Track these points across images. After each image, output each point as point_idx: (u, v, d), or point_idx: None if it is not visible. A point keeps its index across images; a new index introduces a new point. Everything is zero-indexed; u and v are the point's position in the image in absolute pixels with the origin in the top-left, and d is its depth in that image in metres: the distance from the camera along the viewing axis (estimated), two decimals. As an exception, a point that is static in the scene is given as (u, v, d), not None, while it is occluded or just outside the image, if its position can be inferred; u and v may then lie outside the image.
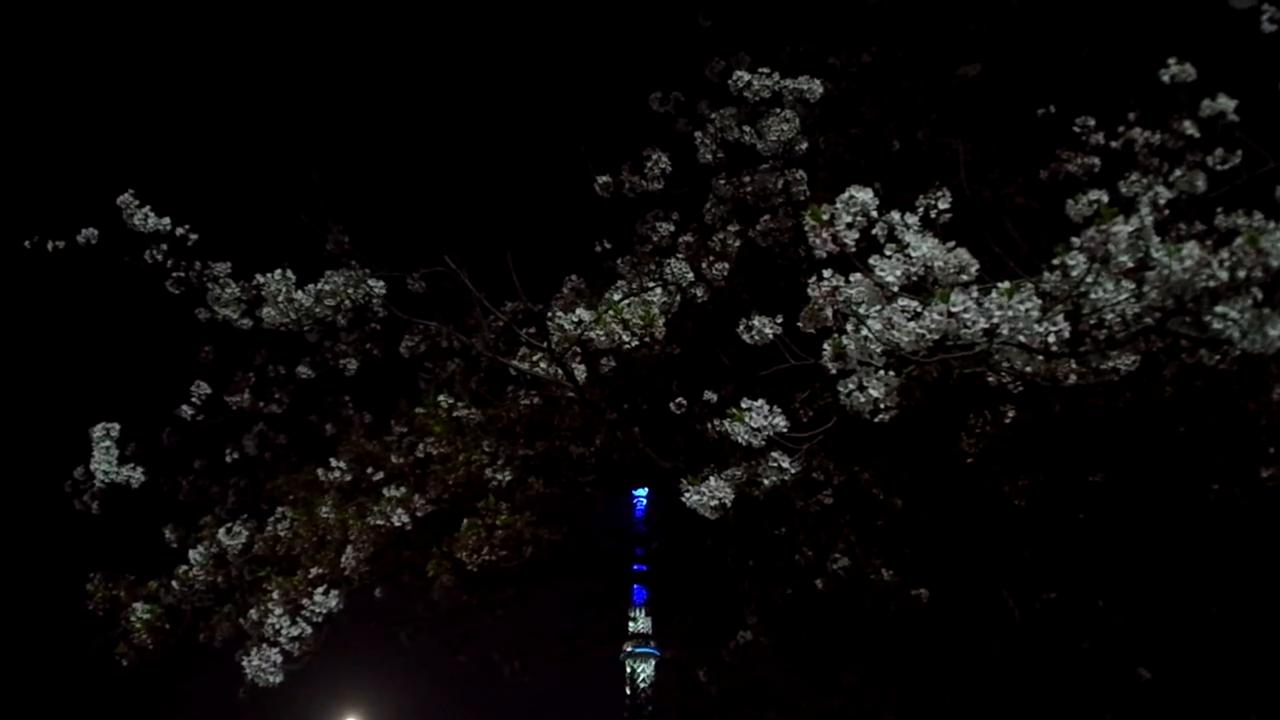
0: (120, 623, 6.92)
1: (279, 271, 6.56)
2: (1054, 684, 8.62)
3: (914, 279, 4.63)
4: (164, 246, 6.61)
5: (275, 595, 6.41)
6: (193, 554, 7.01)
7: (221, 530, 6.99)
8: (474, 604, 8.42)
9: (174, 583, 6.97)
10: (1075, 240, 4.52)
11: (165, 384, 8.21)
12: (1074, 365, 4.94)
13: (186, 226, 6.64)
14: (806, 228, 4.70)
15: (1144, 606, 8.39)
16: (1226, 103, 5.86)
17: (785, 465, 5.19)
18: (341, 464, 7.20)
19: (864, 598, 7.39)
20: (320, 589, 6.41)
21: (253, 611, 6.45)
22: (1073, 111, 6.59)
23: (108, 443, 6.95)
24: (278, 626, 6.29)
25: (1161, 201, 5.07)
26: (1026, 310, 4.45)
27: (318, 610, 6.35)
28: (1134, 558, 8.05)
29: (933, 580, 7.42)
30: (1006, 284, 4.55)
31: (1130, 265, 4.51)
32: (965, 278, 4.61)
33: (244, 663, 6.25)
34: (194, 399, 7.73)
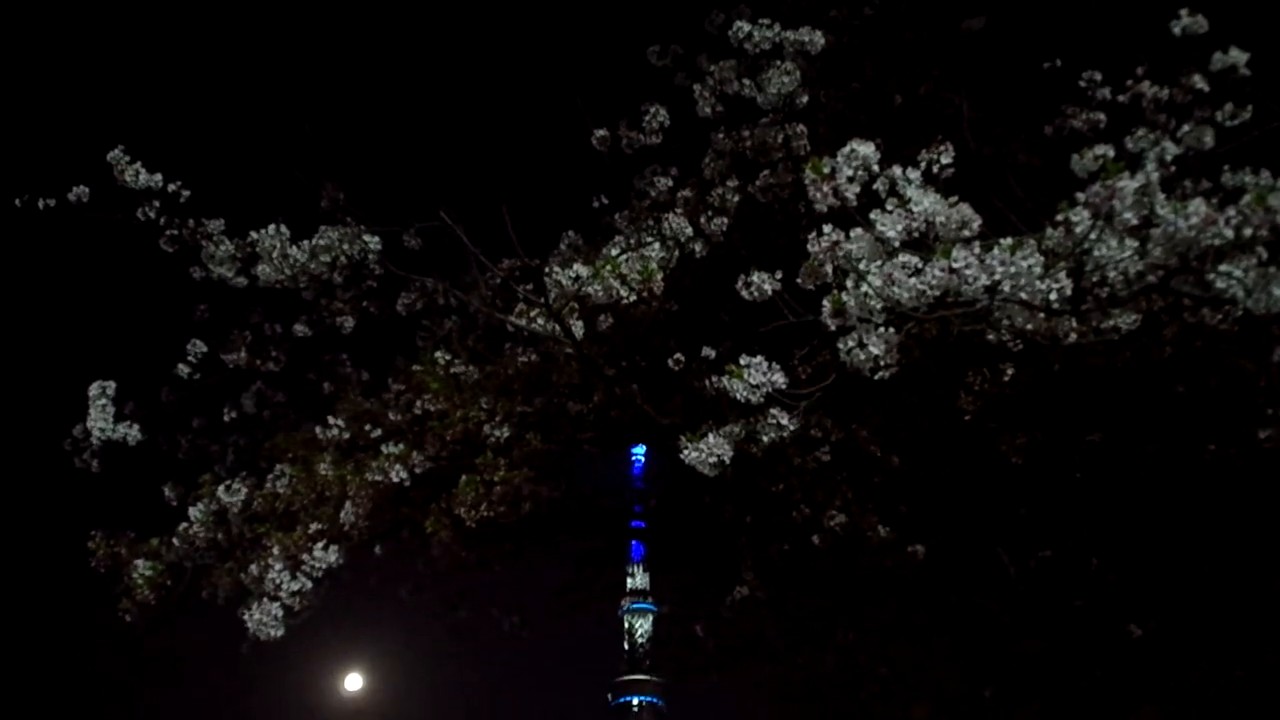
0: (122, 580, 6.95)
1: (273, 227, 6.53)
2: (1047, 641, 8.68)
3: (915, 235, 4.61)
4: (156, 204, 6.57)
5: (275, 551, 6.44)
6: (192, 511, 7.02)
7: (221, 488, 7.01)
8: (473, 560, 8.43)
9: (175, 540, 7.00)
10: (1079, 196, 4.49)
11: (161, 343, 8.21)
12: (1075, 324, 4.92)
13: (179, 183, 6.60)
14: (807, 181, 4.67)
15: (1137, 565, 8.43)
16: (1238, 56, 5.79)
17: (784, 422, 5.19)
18: (339, 422, 7.20)
19: (860, 554, 7.41)
20: (320, 544, 6.43)
21: (253, 567, 6.48)
22: (1079, 66, 6.52)
23: (104, 401, 6.96)
24: (278, 581, 6.32)
25: (1168, 158, 5.03)
26: (1029, 267, 4.43)
27: (317, 565, 6.38)
28: (1129, 517, 8.07)
29: (928, 537, 7.45)
30: (1009, 240, 4.52)
31: (1135, 223, 4.49)
32: (967, 233, 4.58)
33: (246, 617, 6.30)
34: (190, 357, 7.70)
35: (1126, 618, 8.53)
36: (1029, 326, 4.88)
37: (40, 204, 6.64)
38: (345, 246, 6.64)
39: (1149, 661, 8.89)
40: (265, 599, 6.31)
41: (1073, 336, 4.96)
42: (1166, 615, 8.61)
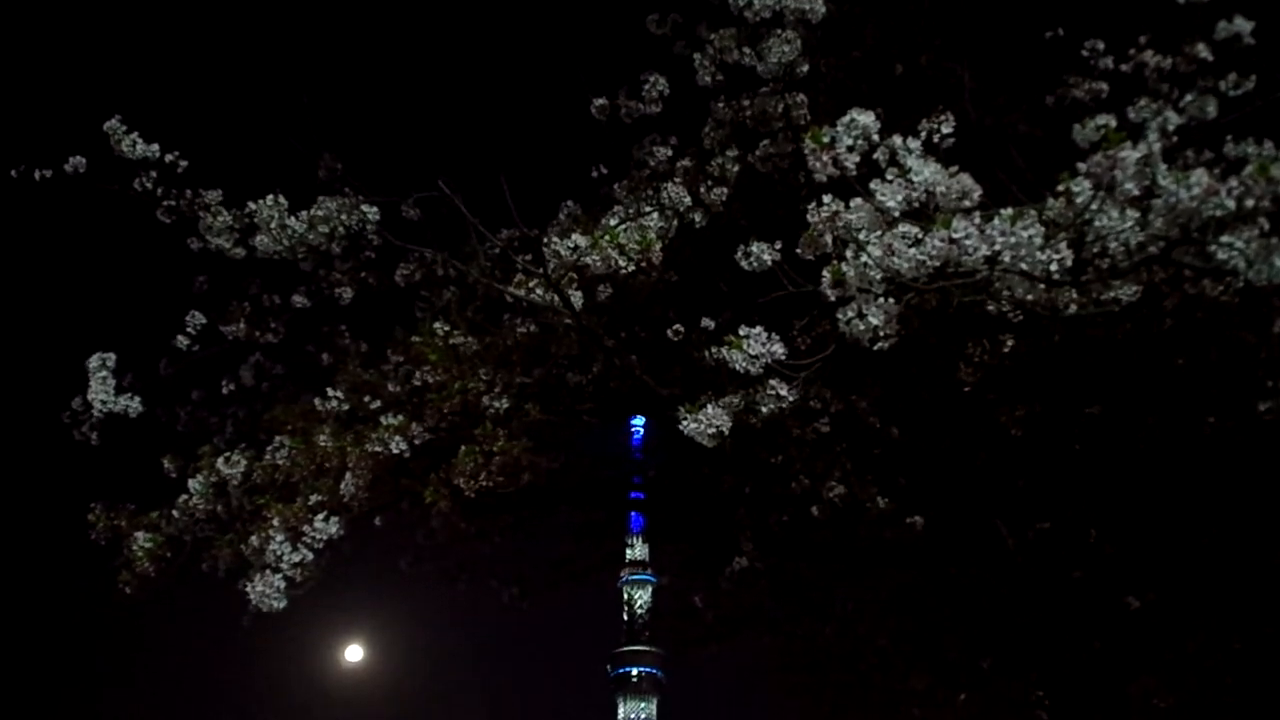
0: (122, 552, 6.96)
1: (270, 198, 6.51)
2: (1045, 612, 8.72)
3: (915, 205, 4.59)
4: (153, 174, 6.55)
5: (275, 522, 6.44)
6: (192, 483, 7.03)
7: (220, 459, 7.01)
8: (472, 532, 8.45)
9: (174, 512, 7.00)
10: (1081, 166, 4.46)
11: (160, 314, 8.20)
12: (1075, 295, 4.91)
13: (176, 153, 6.58)
14: (807, 150, 4.65)
15: (1135, 538, 8.45)
16: (1243, 25, 5.73)
17: (783, 393, 5.18)
18: (338, 393, 7.19)
19: (859, 525, 7.44)
20: (320, 516, 6.44)
21: (254, 539, 6.48)
22: (1081, 35, 6.47)
23: (104, 373, 6.97)
24: (279, 553, 6.33)
25: (1170, 128, 5.00)
26: (1029, 237, 4.43)
27: (318, 537, 6.39)
28: (1127, 489, 8.09)
29: (927, 509, 7.46)
30: (1009, 210, 4.51)
31: (1136, 193, 4.47)
32: (968, 204, 4.56)
33: (248, 589, 6.31)
34: (189, 329, 7.69)
35: (1124, 589, 8.57)
36: (1029, 297, 4.87)
37: (37, 175, 6.63)
38: (343, 217, 6.63)
39: (1147, 633, 8.93)
40: (267, 570, 6.32)
41: (1073, 308, 4.95)
42: (1164, 587, 8.65)
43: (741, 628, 10.68)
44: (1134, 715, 9.02)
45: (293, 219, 6.55)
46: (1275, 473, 7.54)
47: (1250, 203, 4.38)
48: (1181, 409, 7.34)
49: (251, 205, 6.55)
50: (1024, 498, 8.19)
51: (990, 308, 5.16)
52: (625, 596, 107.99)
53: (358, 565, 8.62)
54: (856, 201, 4.62)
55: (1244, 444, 7.19)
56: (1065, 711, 8.98)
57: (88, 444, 7.58)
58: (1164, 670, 9.43)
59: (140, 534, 6.90)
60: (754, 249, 5.24)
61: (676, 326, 6.39)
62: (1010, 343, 6.20)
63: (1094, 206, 4.50)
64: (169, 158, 6.55)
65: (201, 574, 7.20)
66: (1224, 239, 4.45)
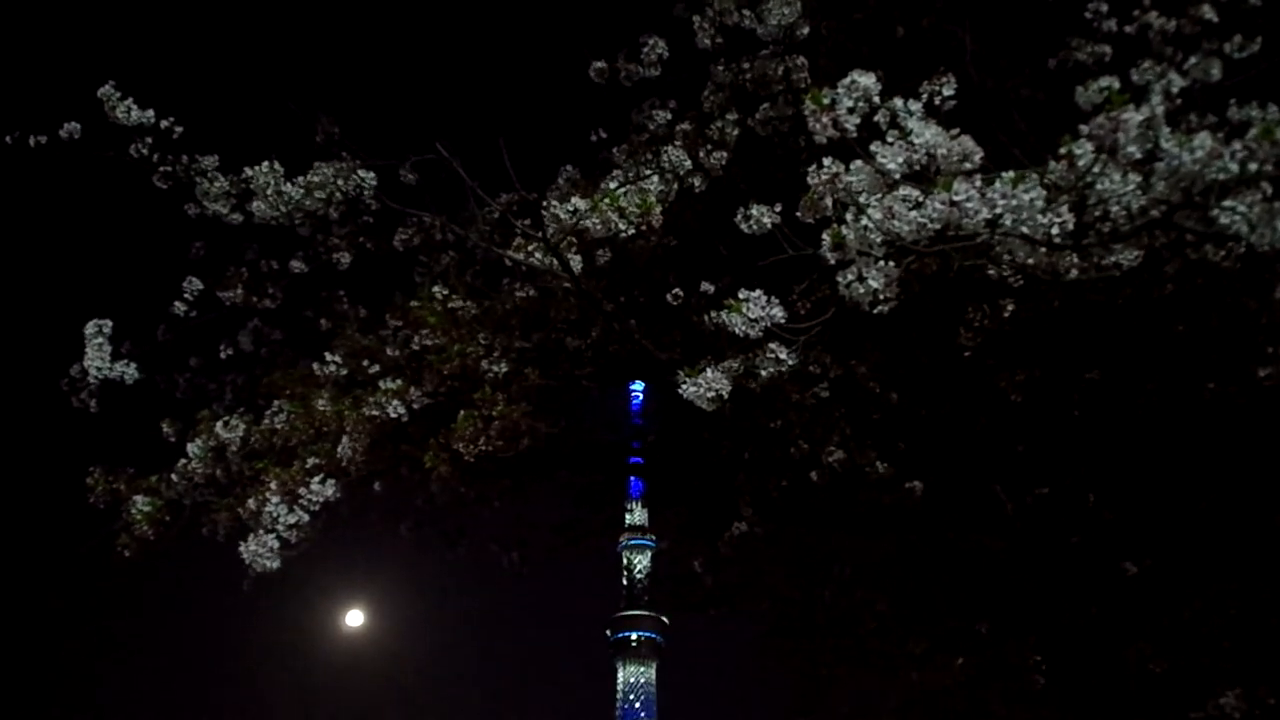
0: (121, 515, 6.97)
1: (266, 164, 6.48)
2: (1043, 577, 8.75)
3: (916, 167, 4.56)
4: (149, 140, 6.54)
5: (272, 485, 6.45)
6: (190, 447, 7.04)
7: (219, 424, 7.02)
8: (472, 496, 8.46)
9: (173, 476, 7.01)
10: (1083, 129, 4.43)
11: (157, 281, 8.18)
12: (1076, 259, 4.89)
13: (171, 119, 6.56)
14: (807, 112, 4.61)
15: (1134, 503, 8.47)
16: (1249, -15, 5.68)
17: (783, 356, 5.18)
18: (337, 358, 7.19)
19: (858, 490, 7.44)
20: (316, 478, 6.44)
21: (250, 501, 6.50)
22: None
23: (100, 340, 6.97)
24: (275, 514, 6.35)
25: (1174, 90, 4.95)
26: (1031, 200, 4.40)
27: (314, 499, 6.40)
28: (1126, 455, 8.10)
29: (926, 474, 7.47)
30: (1011, 173, 4.48)
31: (1138, 156, 4.44)
32: (969, 166, 4.53)
33: (241, 549, 6.32)
34: (187, 295, 7.69)
35: (1122, 555, 8.59)
36: (1030, 261, 4.84)
37: (31, 141, 6.60)
38: (340, 182, 6.61)
39: (1144, 598, 8.96)
40: (261, 531, 6.34)
41: (1074, 272, 4.93)
42: (1162, 553, 8.67)
43: (741, 592, 10.72)
44: (1130, 680, 9.07)
45: (289, 184, 6.54)
46: (1274, 439, 7.55)
47: (1254, 166, 4.36)
48: (1181, 375, 7.34)
49: (248, 171, 6.53)
50: (1023, 463, 8.20)
51: (990, 272, 5.14)
52: (624, 561, 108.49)
53: (358, 531, 8.67)
54: (857, 164, 4.59)
55: (1244, 410, 7.19)
56: (1062, 676, 9.05)
57: (86, 410, 7.60)
58: (1161, 635, 9.46)
59: (139, 498, 6.92)
60: (754, 212, 5.22)
61: (676, 290, 6.37)
62: (1010, 307, 6.18)
63: (1096, 170, 4.46)
64: (164, 123, 6.54)
65: (202, 539, 7.22)
66: (1226, 203, 4.43)
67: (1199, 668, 9.29)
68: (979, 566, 9.18)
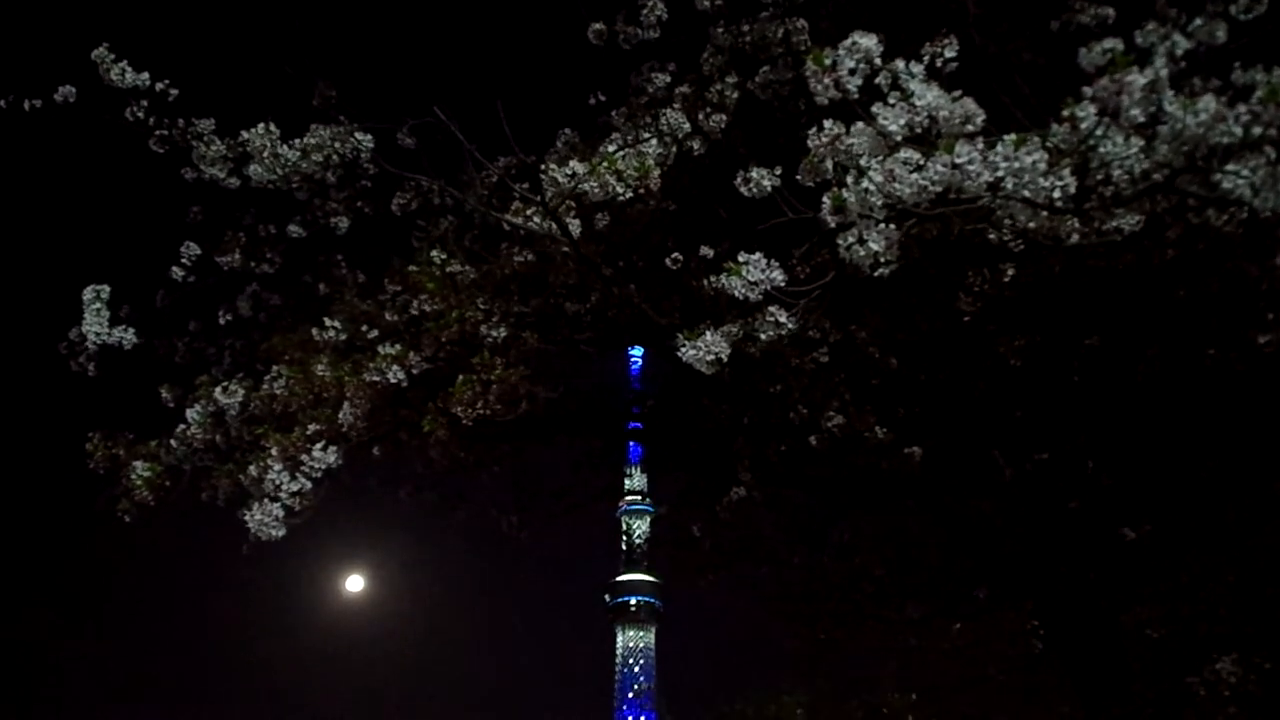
0: (121, 481, 6.98)
1: (263, 126, 6.44)
2: (1041, 543, 8.78)
3: (918, 130, 4.52)
4: (144, 103, 6.50)
5: (274, 452, 6.46)
6: (190, 413, 7.04)
7: (218, 389, 7.01)
8: (471, 461, 8.47)
9: (173, 442, 7.02)
10: (1086, 91, 4.39)
11: (155, 245, 8.16)
12: (1077, 224, 4.86)
13: (166, 81, 6.51)
14: (808, 73, 4.57)
15: (1132, 469, 8.48)
16: (1256, -55, 5.61)
17: (782, 320, 5.15)
18: (335, 323, 7.17)
19: (857, 456, 7.45)
20: (318, 445, 6.44)
21: (252, 468, 6.50)
22: None
23: (98, 305, 6.96)
24: (277, 482, 6.36)
25: (1178, 53, 4.90)
26: (1032, 163, 4.37)
27: (316, 466, 6.41)
28: (1126, 421, 8.10)
29: (926, 439, 7.47)
30: (1013, 136, 4.44)
31: (1142, 119, 4.40)
32: (970, 129, 4.49)
33: (247, 518, 6.34)
34: (184, 260, 7.67)
35: (1121, 521, 8.62)
36: (1031, 225, 4.81)
37: (26, 105, 6.57)
38: (338, 145, 6.58)
39: (1142, 564, 9.00)
40: (265, 499, 6.35)
41: (1075, 237, 4.90)
42: (1160, 519, 8.70)
43: (739, 557, 10.75)
44: (1127, 645, 9.13)
45: (286, 147, 6.49)
46: (1274, 405, 7.55)
47: (1258, 130, 4.32)
48: (1181, 341, 7.33)
49: (244, 134, 6.48)
50: (1022, 428, 8.21)
51: (991, 236, 5.12)
52: (624, 526, 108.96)
53: (357, 495, 8.69)
54: (858, 126, 4.56)
55: (1243, 376, 7.19)
56: (1059, 641, 9.09)
57: (85, 375, 7.59)
58: (1158, 601, 9.52)
59: (138, 463, 6.93)
60: (753, 175, 5.18)
61: (675, 255, 6.35)
62: (1011, 272, 6.16)
63: (1098, 133, 4.43)
64: (159, 86, 6.50)
65: (202, 503, 7.23)
66: (1230, 167, 4.40)
67: (1196, 634, 9.35)
68: (977, 532, 9.21)
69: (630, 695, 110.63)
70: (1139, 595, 9.37)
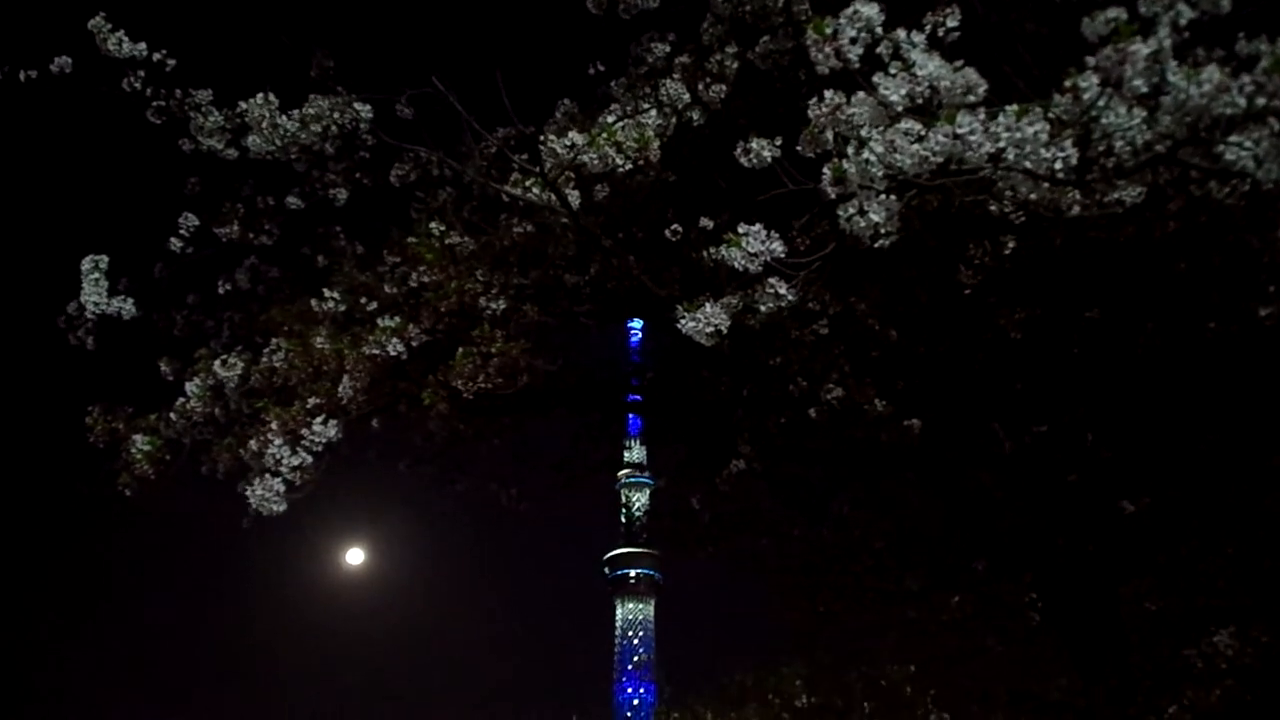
0: (121, 455, 6.98)
1: (261, 97, 6.40)
2: (1039, 515, 8.79)
3: (919, 100, 4.50)
4: (141, 74, 6.46)
5: (274, 426, 6.44)
6: (189, 386, 7.03)
7: (217, 362, 7.00)
8: (470, 434, 8.48)
9: (172, 415, 7.01)
10: (1089, 61, 4.37)
11: (153, 217, 8.12)
12: (1078, 195, 4.85)
13: (164, 52, 6.47)
14: (809, 42, 4.54)
15: (1132, 442, 8.49)
16: (1262, -88, 5.56)
17: (782, 292, 5.14)
18: (335, 295, 7.16)
19: (856, 428, 7.45)
20: (318, 419, 6.43)
21: (252, 443, 6.50)
22: None
23: (97, 275, 6.94)
24: (278, 456, 6.35)
25: (1182, 22, 4.87)
26: (1035, 134, 4.35)
27: (317, 440, 6.40)
28: (1125, 394, 8.10)
29: (925, 411, 7.47)
30: (1015, 107, 4.42)
31: (1145, 90, 4.38)
32: (972, 99, 4.47)
33: (248, 493, 6.33)
34: (183, 231, 7.63)
35: (1120, 493, 8.63)
36: (1032, 197, 4.80)
37: (22, 75, 6.53)
38: (336, 116, 6.54)
39: (1140, 537, 9.02)
40: (266, 474, 6.34)
41: (1076, 209, 4.89)
42: (1160, 491, 8.71)
43: (738, 529, 10.78)
44: (1125, 618, 9.16)
45: (284, 118, 6.46)
46: (1274, 378, 7.54)
47: (1262, 101, 4.31)
48: (1182, 313, 7.32)
49: (242, 105, 6.45)
50: (1022, 401, 8.21)
51: (992, 208, 5.10)
52: (623, 499, 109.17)
53: (358, 468, 8.69)
54: (859, 96, 4.53)
55: (1244, 349, 7.18)
56: (1057, 613, 9.12)
57: (84, 348, 7.58)
58: (1156, 574, 9.54)
59: (138, 437, 6.92)
60: (753, 145, 5.15)
61: (675, 226, 6.32)
62: (1011, 245, 6.13)
63: (1101, 103, 4.41)
64: (157, 56, 6.46)
65: (201, 477, 7.24)
66: (1233, 139, 4.39)
67: (1193, 606, 9.38)
68: (976, 504, 9.22)
69: (629, 667, 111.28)
70: (1137, 568, 9.39)
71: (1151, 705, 8.42)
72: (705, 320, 5.08)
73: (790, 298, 5.18)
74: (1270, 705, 8.81)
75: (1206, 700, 8.48)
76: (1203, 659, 8.79)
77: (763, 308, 5.19)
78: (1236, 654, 8.61)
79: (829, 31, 4.49)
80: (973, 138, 4.31)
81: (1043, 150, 4.39)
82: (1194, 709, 8.42)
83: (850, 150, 4.53)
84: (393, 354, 6.60)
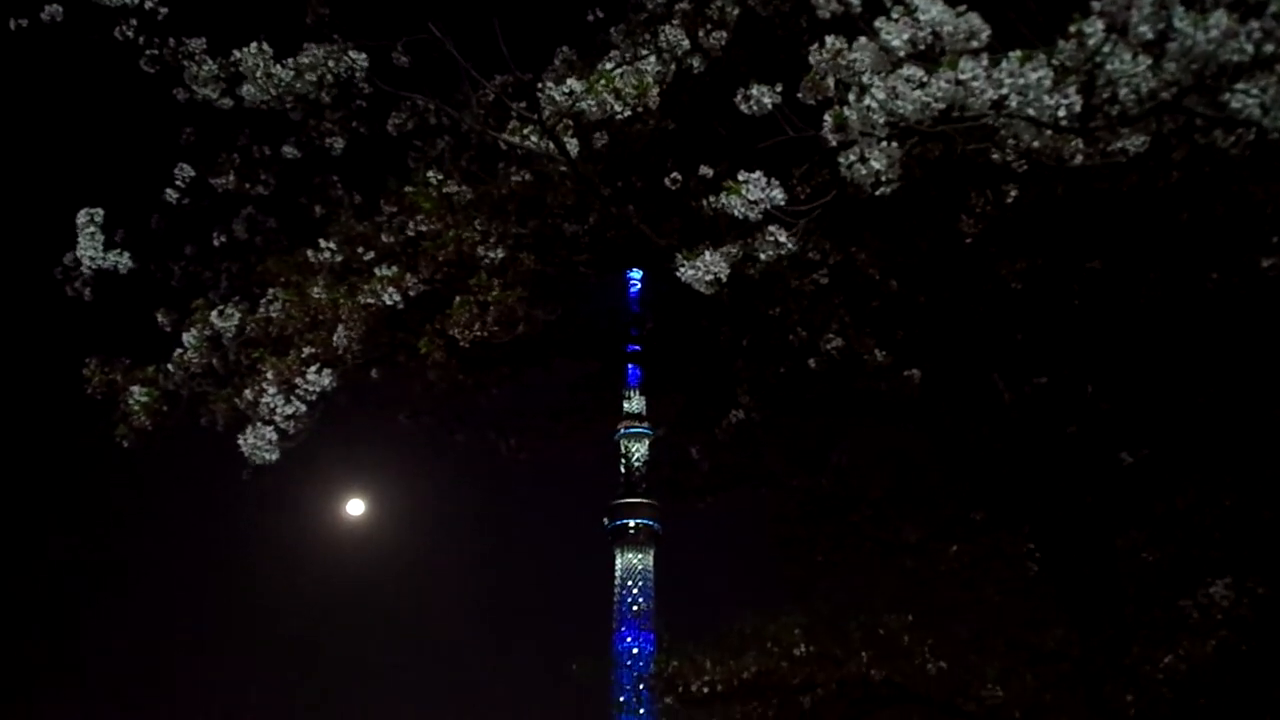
0: (119, 406, 6.98)
1: (255, 45, 6.33)
2: (1038, 466, 8.81)
3: (921, 46, 4.45)
4: (134, 22, 6.37)
5: (269, 375, 6.45)
6: (186, 337, 7.02)
7: (214, 313, 6.99)
8: (470, 384, 8.47)
9: (170, 366, 7.00)
10: (1094, 6, 4.31)
11: (149, 168, 8.07)
12: (1081, 144, 4.81)
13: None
14: (810, -15, 4.47)
15: (1132, 394, 8.49)
16: None
17: (782, 240, 5.12)
18: (331, 245, 7.13)
19: (856, 378, 7.45)
20: (313, 368, 6.43)
21: (247, 392, 6.50)
22: None
23: (92, 228, 6.91)
24: (272, 405, 6.36)
25: (1190, -34, 4.80)
26: (1038, 80, 4.31)
27: (311, 389, 6.41)
28: (1126, 345, 8.09)
29: (925, 362, 7.47)
30: (1018, 53, 4.37)
31: (1150, 37, 4.33)
32: (975, 45, 4.42)
33: (241, 441, 6.34)
34: (178, 182, 7.58)
35: (1119, 445, 8.64)
36: (1035, 145, 4.76)
37: (12, 24, 6.46)
38: (332, 64, 6.48)
39: (1138, 488, 9.04)
40: (259, 423, 6.35)
41: (1079, 158, 4.85)
42: (1159, 443, 8.72)
43: (737, 480, 10.81)
44: (1121, 568, 9.21)
45: (279, 67, 6.39)
46: (1275, 331, 7.53)
47: (1270, 48, 4.27)
48: (1184, 264, 7.28)
49: (237, 54, 6.37)
50: (1022, 352, 8.20)
51: (994, 156, 5.05)
52: (622, 449, 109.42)
53: (357, 419, 8.70)
54: (861, 41, 4.49)
55: (1246, 301, 7.16)
56: (1055, 564, 9.17)
57: (81, 300, 7.55)
58: (1154, 525, 9.57)
59: (136, 388, 6.92)
60: (754, 92, 5.11)
61: (674, 174, 6.27)
62: (1013, 194, 6.10)
63: (1106, 49, 4.36)
64: (149, 4, 6.35)
65: (202, 429, 7.24)
66: (1239, 86, 4.35)
67: (1190, 558, 9.41)
68: (975, 455, 9.25)
69: (629, 616, 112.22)
70: (1134, 519, 9.42)
71: (1146, 655, 8.47)
72: (705, 269, 5.06)
73: (790, 246, 5.16)
74: (1265, 656, 8.87)
75: (1201, 650, 8.53)
76: (1198, 610, 8.82)
77: (762, 256, 5.17)
78: (1232, 605, 8.64)
79: (831, -26, 4.43)
80: (975, 84, 4.27)
81: (1046, 97, 4.35)
82: (1189, 659, 8.48)
83: (851, 97, 4.49)
84: (389, 303, 6.59)
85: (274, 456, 6.35)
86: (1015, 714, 9.41)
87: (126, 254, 7.03)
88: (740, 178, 4.81)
